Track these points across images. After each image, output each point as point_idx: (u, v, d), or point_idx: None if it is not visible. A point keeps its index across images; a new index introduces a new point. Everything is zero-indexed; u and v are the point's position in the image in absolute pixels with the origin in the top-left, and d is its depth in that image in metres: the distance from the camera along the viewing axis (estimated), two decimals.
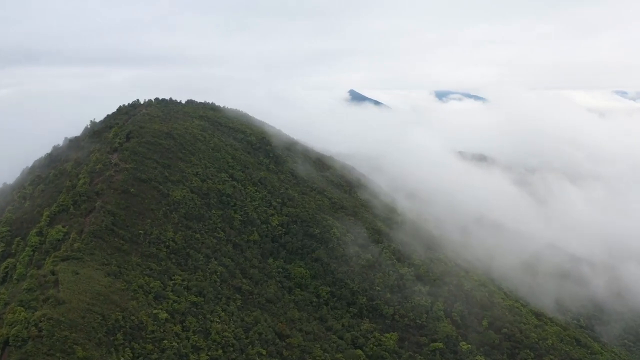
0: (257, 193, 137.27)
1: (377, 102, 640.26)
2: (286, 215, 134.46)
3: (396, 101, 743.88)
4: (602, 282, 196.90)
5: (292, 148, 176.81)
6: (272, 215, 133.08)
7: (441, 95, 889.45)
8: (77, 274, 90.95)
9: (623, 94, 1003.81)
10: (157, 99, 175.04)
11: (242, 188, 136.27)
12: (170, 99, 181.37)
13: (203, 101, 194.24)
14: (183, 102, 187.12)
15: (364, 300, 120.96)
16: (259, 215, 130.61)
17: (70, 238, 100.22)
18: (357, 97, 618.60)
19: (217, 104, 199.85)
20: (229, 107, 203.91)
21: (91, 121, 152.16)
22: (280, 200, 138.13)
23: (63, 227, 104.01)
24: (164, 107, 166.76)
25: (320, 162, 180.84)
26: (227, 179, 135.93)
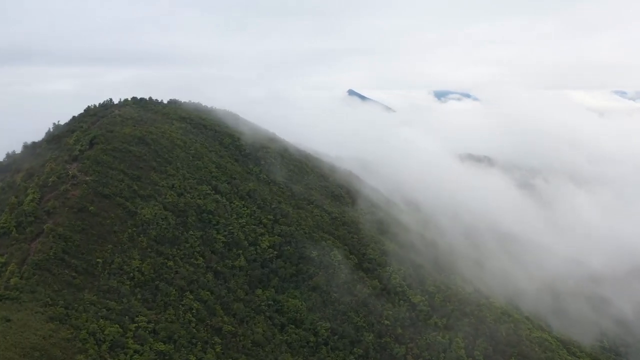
0: (245, 209, 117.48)
1: (375, 102, 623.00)
2: (279, 235, 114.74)
3: (395, 101, 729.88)
4: (625, 299, 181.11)
5: (287, 154, 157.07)
6: (262, 235, 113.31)
7: (440, 95, 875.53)
8: (9, 320, 71.17)
9: (622, 94, 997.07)
10: (134, 98, 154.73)
11: (227, 203, 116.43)
12: (150, 98, 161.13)
13: (188, 100, 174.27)
14: (166, 101, 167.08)
15: (370, 337, 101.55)
16: (246, 236, 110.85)
17: (7, 271, 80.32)
18: (355, 97, 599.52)
19: (210, 104, 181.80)
20: (218, 108, 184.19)
21: (54, 124, 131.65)
22: (272, 217, 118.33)
23: (1, 256, 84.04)
24: (141, 108, 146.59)
25: (319, 170, 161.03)
26: (209, 192, 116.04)
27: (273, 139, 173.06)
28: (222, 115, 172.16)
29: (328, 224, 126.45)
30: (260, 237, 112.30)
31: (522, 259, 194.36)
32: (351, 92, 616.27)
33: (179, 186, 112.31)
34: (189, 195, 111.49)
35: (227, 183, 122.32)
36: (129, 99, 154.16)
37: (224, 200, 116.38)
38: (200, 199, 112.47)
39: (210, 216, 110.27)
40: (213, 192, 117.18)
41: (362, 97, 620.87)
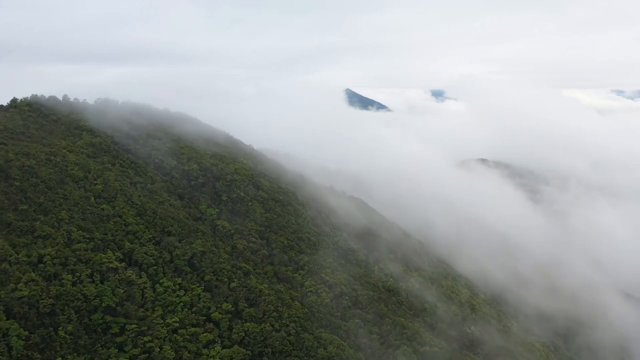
0: (181, 293, 65.70)
1: (373, 102, 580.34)
2: (241, 343, 63.13)
3: (393, 100, 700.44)
4: None
5: (265, 179, 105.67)
6: (211, 343, 61.67)
7: (438, 94, 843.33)
8: None
9: (620, 92, 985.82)
10: (35, 96, 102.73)
11: (148, 284, 64.66)
12: (65, 97, 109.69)
13: (126, 100, 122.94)
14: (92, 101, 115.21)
15: None
16: (178, 350, 59.25)
17: None
18: (353, 97, 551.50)
19: (201, 104, 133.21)
20: (174, 111, 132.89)
21: None
22: (230, 306, 66.63)
23: None
24: (35, 113, 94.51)
25: (313, 202, 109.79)
26: (115, 264, 64.16)
27: (248, 155, 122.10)
28: (175, 121, 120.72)
29: (329, 309, 74.89)
30: (205, 351, 60.75)
31: (575, 312, 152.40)
32: (349, 92, 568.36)
33: (52, 259, 60.32)
34: (70, 277, 59.54)
35: (155, 243, 70.53)
36: (29, 97, 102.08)
37: (143, 280, 64.57)
38: (92, 282, 60.63)
39: (110, 317, 58.56)
40: (124, 264, 65.36)
41: (360, 97, 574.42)
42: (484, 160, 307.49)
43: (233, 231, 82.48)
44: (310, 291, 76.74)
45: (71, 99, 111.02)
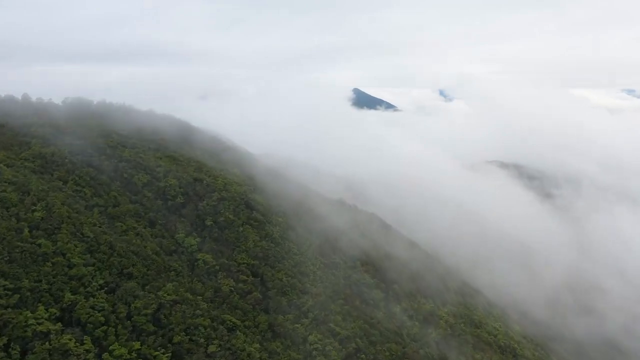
0: None
1: (381, 102, 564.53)
2: None
3: (398, 100, 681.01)
4: None
5: (261, 199, 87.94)
6: None
7: (446, 94, 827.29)
8: None
9: (630, 92, 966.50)
10: None
11: (92, 357, 46.84)
12: (25, 96, 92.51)
13: (101, 101, 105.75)
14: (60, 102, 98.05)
15: None
16: None
17: None
18: (361, 96, 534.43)
19: (200, 104, 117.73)
20: (161, 114, 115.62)
21: None
22: None
23: None
24: None
25: (319, 220, 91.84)
26: (45, 326, 46.38)
27: (243, 164, 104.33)
28: (158, 125, 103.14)
29: None
30: None
31: (611, 336, 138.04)
32: (357, 91, 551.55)
33: None
34: None
35: (108, 292, 52.88)
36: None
37: (86, 348, 46.82)
38: (7, 357, 43.08)
39: None
40: (59, 325, 47.63)
41: (368, 96, 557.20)
42: (494, 162, 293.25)
43: (217, 267, 64.67)
44: (316, 349, 58.80)
45: (33, 99, 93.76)
